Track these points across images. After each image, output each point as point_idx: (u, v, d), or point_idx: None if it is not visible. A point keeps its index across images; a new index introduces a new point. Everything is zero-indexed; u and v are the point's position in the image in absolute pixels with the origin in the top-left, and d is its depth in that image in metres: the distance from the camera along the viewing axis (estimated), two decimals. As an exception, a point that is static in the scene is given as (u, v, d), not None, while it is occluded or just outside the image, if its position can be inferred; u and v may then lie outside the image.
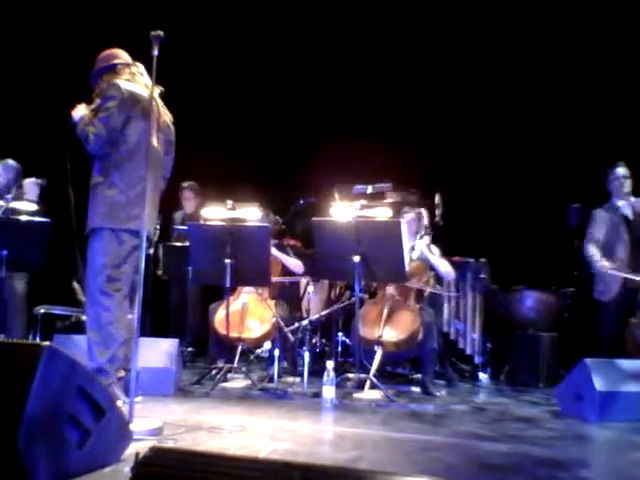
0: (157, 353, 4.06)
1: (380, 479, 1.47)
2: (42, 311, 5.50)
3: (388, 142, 6.26)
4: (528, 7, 6.46)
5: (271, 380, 4.64)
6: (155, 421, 2.92)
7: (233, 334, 4.59)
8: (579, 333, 5.33)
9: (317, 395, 4.13)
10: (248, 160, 6.82)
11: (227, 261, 4.40)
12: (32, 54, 6.63)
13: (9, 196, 4.93)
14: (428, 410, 4.02)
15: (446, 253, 5.21)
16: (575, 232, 5.32)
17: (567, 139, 6.25)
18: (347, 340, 5.36)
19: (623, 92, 6.04)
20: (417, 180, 6.10)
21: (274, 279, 4.93)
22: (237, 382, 4.63)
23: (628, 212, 5.06)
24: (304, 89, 7.01)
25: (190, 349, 5.82)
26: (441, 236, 5.44)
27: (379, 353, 4.42)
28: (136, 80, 3.68)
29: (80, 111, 3.61)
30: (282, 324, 4.81)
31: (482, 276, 5.51)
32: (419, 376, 4.83)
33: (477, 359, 5.44)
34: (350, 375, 4.51)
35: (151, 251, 5.39)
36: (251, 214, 4.99)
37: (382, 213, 4.93)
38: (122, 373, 3.51)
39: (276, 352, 4.74)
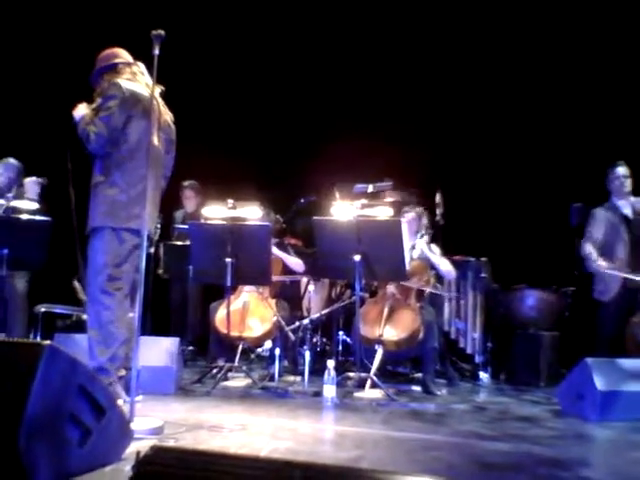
0: (158, 352, 4.06)
1: (381, 478, 1.47)
2: (43, 310, 5.50)
3: (389, 141, 6.26)
4: (529, 6, 6.45)
5: (272, 379, 4.64)
6: (156, 420, 2.92)
7: (234, 333, 4.60)
8: (580, 332, 5.32)
9: (318, 394, 4.13)
10: (249, 159, 6.82)
11: (228, 260, 4.40)
12: (33, 54, 6.63)
13: (10, 195, 4.93)
14: (429, 409, 4.01)
15: (447, 252, 5.21)
16: (576, 231, 5.31)
17: (568, 138, 6.24)
18: (348, 339, 5.36)
19: (625, 90, 6.03)
20: (418, 179, 6.10)
21: (275, 278, 4.93)
22: (238, 381, 4.63)
23: (628, 212, 5.06)
24: (305, 88, 7.01)
25: (191, 348, 5.82)
26: (442, 235, 5.44)
27: (380, 352, 4.43)
28: (137, 79, 3.68)
29: (81, 110, 3.61)
30: (283, 323, 4.81)
31: (483, 275, 5.51)
32: (420, 375, 4.83)
33: (478, 358, 5.43)
34: (351, 374, 4.51)
35: (152, 250, 5.39)
36: (252, 213, 4.99)
37: (383, 212, 4.93)
38: (123, 372, 3.51)
39: (277, 351, 4.75)
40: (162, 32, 3.03)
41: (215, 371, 4.48)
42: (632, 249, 4.96)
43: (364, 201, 4.77)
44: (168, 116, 3.86)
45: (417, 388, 4.69)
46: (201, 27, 6.89)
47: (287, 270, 5.24)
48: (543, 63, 6.45)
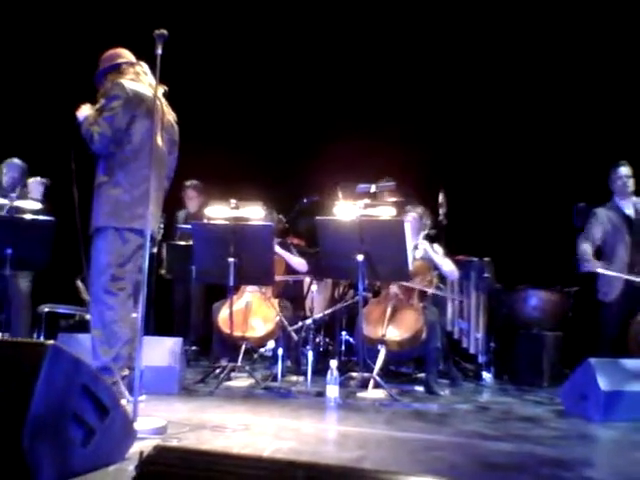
0: (161, 352, 4.07)
1: (384, 478, 1.47)
2: (46, 310, 5.51)
3: (392, 141, 6.26)
4: (531, 6, 6.44)
5: (275, 379, 4.65)
6: (159, 420, 2.93)
7: (237, 333, 4.60)
8: (583, 332, 5.32)
9: (321, 394, 4.13)
10: (251, 159, 6.82)
11: (231, 260, 4.40)
12: (36, 54, 6.64)
13: (14, 195, 4.94)
14: (432, 409, 4.01)
15: (450, 252, 5.20)
16: (580, 231, 5.30)
17: (572, 138, 6.23)
18: (351, 339, 5.35)
19: (628, 91, 6.02)
20: (420, 179, 6.10)
21: (278, 278, 4.94)
22: (241, 381, 4.63)
23: (631, 212, 5.04)
24: (307, 88, 7.01)
25: (194, 348, 5.83)
26: (445, 235, 5.43)
27: (383, 352, 4.43)
28: (140, 79, 3.68)
29: (84, 111, 3.62)
30: (286, 323, 4.81)
31: (486, 275, 5.50)
32: (423, 375, 4.83)
33: (481, 358, 5.42)
34: (354, 374, 4.51)
35: (155, 250, 5.39)
36: (254, 213, 4.99)
37: (385, 212, 4.93)
38: (126, 372, 3.51)
39: (280, 351, 4.75)
40: (165, 32, 3.03)
41: (218, 371, 4.48)
42: (633, 250, 4.94)
43: (367, 201, 4.77)
44: (171, 116, 3.86)
45: (420, 388, 4.69)
46: (204, 27, 6.90)
47: (290, 270, 5.24)
48: (546, 63, 6.44)
